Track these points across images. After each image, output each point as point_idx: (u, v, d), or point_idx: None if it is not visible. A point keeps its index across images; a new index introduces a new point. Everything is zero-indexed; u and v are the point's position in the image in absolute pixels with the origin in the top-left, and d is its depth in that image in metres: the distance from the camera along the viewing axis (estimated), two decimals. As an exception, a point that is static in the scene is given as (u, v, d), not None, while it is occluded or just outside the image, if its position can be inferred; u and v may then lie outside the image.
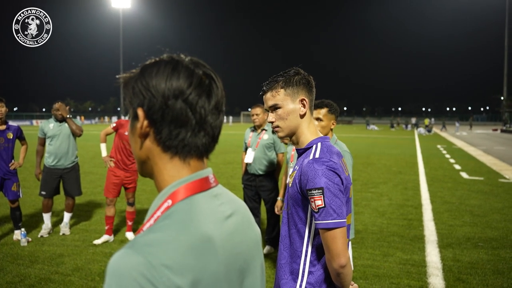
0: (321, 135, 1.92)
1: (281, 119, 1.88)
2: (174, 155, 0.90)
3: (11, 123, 5.90)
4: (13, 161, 5.82)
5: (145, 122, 0.89)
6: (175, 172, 0.89)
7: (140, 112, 0.89)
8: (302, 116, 1.87)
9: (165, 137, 0.89)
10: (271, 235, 5.59)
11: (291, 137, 1.93)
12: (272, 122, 1.91)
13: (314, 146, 1.84)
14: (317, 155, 1.76)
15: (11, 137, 5.73)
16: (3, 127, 5.67)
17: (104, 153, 6.09)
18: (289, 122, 1.87)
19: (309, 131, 1.89)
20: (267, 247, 5.57)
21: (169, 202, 0.85)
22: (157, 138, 0.89)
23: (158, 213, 0.84)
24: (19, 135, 5.86)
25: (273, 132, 2.00)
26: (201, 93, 0.89)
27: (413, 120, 64.95)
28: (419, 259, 5.32)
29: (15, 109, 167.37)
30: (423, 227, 6.77)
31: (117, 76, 0.99)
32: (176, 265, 0.74)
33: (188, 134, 0.89)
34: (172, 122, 0.88)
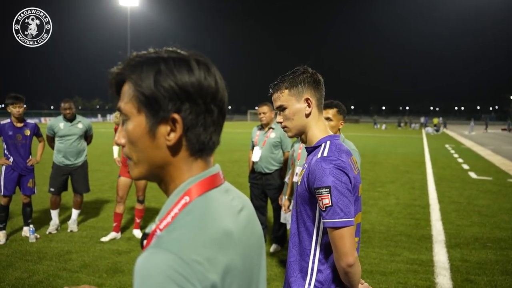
0: (331, 133, 1.91)
1: (287, 119, 1.89)
2: (197, 156, 0.88)
3: (31, 121, 5.99)
4: (30, 157, 5.91)
5: (182, 131, 0.83)
6: (190, 171, 0.88)
7: (178, 118, 0.82)
8: (307, 116, 1.87)
9: (195, 141, 0.86)
10: (277, 234, 5.59)
11: (300, 136, 1.93)
12: (281, 123, 1.93)
13: (323, 145, 1.83)
14: (325, 154, 1.76)
15: (29, 134, 5.83)
16: (21, 124, 5.76)
17: (115, 154, 6.38)
18: (296, 122, 1.88)
19: (318, 129, 1.88)
20: (273, 245, 5.57)
21: (187, 198, 0.83)
22: (186, 143, 0.85)
23: (176, 210, 0.82)
24: (36, 132, 5.96)
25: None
26: (226, 93, 0.90)
27: (422, 119, 64.58)
28: (427, 258, 5.29)
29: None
30: (431, 227, 6.73)
31: (112, 70, 0.89)
32: (206, 259, 0.74)
33: (213, 135, 0.88)
34: (207, 126, 0.86)
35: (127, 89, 0.85)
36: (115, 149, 6.50)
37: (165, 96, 0.81)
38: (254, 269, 0.92)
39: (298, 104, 1.86)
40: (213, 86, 0.86)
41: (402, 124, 64.79)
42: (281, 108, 1.90)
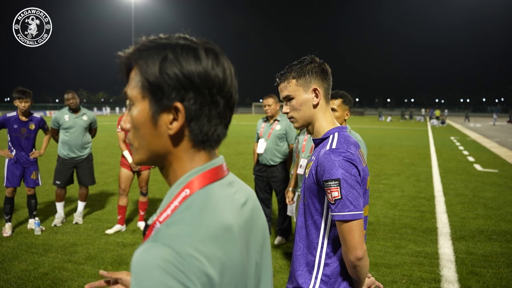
0: (338, 124, 1.88)
1: (294, 110, 1.85)
2: (200, 148, 0.86)
3: (37, 115, 6.00)
4: (33, 150, 5.92)
5: (184, 120, 0.82)
6: (192, 162, 0.86)
7: (180, 107, 0.81)
8: (315, 106, 1.84)
9: (198, 132, 0.84)
10: (282, 226, 5.59)
11: (307, 127, 1.90)
12: (287, 113, 1.89)
13: (331, 136, 1.80)
14: (334, 146, 1.73)
15: (33, 128, 5.84)
16: (26, 118, 5.78)
17: (130, 159, 5.88)
18: (303, 113, 1.84)
19: (325, 120, 1.85)
20: (278, 238, 5.57)
21: (187, 191, 0.82)
22: (189, 134, 0.84)
23: (176, 203, 0.81)
24: (42, 125, 5.98)
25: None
26: (235, 84, 0.88)
27: (422, 111, 64.60)
28: (432, 251, 5.28)
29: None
30: (436, 219, 6.71)
31: (120, 53, 0.87)
32: (203, 254, 0.72)
33: (219, 127, 0.87)
34: (211, 117, 0.84)
35: (134, 74, 0.84)
36: (127, 154, 5.88)
37: (169, 84, 0.80)
38: (256, 264, 0.90)
39: (305, 94, 1.83)
40: (221, 77, 0.83)
41: (406, 117, 64.64)
42: (288, 98, 1.86)
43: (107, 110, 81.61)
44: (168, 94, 0.80)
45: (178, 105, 0.81)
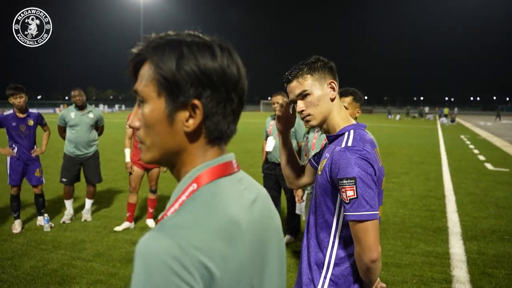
0: (353, 121, 1.84)
1: (312, 105, 1.79)
2: (214, 144, 0.86)
3: (34, 110, 5.97)
4: (35, 147, 5.89)
5: (201, 118, 0.81)
6: (204, 157, 0.86)
7: (199, 104, 0.80)
8: (333, 100, 1.80)
9: (213, 128, 0.84)
10: (291, 225, 5.55)
11: (323, 124, 1.84)
12: (302, 112, 1.81)
13: (346, 134, 1.76)
14: (349, 143, 1.68)
15: (32, 124, 5.79)
16: (23, 115, 5.72)
17: (127, 158, 6.00)
18: (321, 108, 1.79)
19: (340, 116, 1.81)
20: (287, 237, 5.54)
21: (194, 186, 0.81)
22: (205, 130, 0.83)
23: (183, 197, 0.80)
24: (40, 121, 5.90)
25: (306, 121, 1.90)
26: (246, 81, 0.87)
27: (427, 109, 64.56)
28: (443, 251, 5.21)
29: (38, 97, 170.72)
30: (447, 219, 6.63)
31: (132, 50, 0.85)
32: (205, 247, 0.72)
33: (231, 124, 0.87)
34: (226, 114, 0.84)
35: (147, 71, 0.82)
36: (127, 152, 6.04)
37: (187, 80, 0.79)
38: (264, 264, 0.88)
39: (322, 89, 1.79)
40: (236, 74, 0.83)
41: (415, 115, 64.28)
42: (304, 95, 1.79)
43: (103, 108, 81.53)
44: (186, 91, 0.79)
45: (196, 102, 0.80)
